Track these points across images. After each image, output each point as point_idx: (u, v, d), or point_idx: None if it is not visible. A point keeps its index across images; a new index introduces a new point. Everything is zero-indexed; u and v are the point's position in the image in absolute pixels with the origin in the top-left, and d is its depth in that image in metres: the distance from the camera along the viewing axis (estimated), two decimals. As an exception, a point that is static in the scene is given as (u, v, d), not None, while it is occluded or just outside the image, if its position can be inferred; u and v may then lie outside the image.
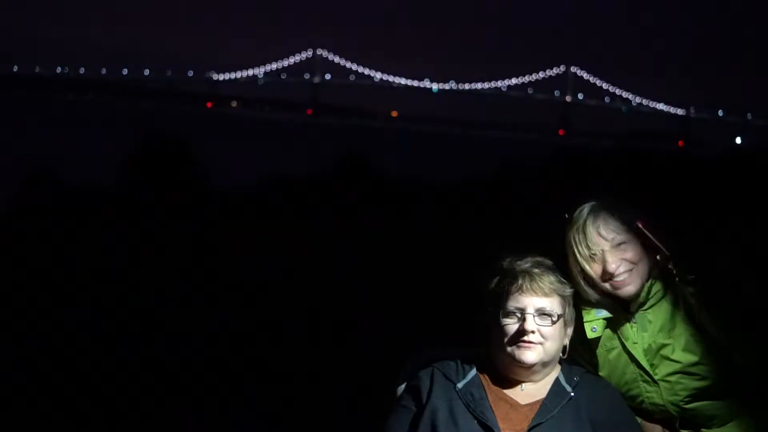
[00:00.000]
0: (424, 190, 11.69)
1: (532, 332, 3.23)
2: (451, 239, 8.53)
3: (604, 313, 3.46)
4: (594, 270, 3.36)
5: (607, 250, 3.34)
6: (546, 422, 3.18)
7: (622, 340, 3.45)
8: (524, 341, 3.23)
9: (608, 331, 3.47)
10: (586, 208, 3.36)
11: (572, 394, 3.26)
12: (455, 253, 7.74)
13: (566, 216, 3.39)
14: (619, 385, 3.47)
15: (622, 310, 3.45)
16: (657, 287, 3.39)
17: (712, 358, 3.34)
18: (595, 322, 3.47)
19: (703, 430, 3.45)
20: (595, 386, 3.35)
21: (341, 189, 11.13)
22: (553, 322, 3.26)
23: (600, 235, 3.34)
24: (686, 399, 3.40)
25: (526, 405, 3.25)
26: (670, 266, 3.31)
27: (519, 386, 3.29)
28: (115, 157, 12.50)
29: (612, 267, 3.34)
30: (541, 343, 3.24)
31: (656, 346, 3.40)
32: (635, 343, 3.43)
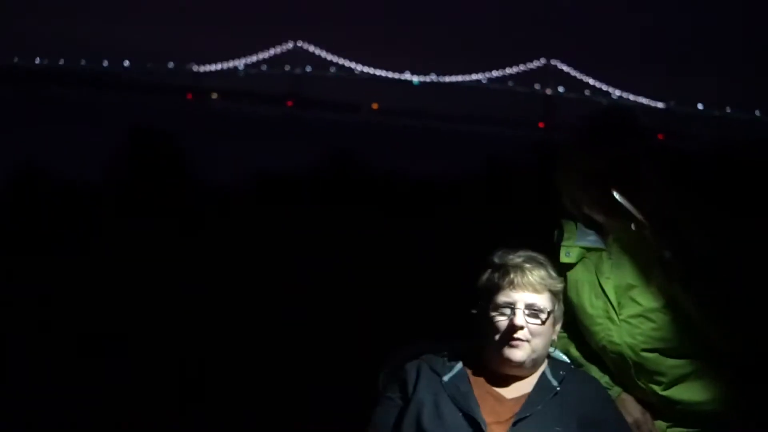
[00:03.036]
0: (409, 185, 11.67)
1: (521, 328, 3.26)
2: (440, 234, 8.54)
3: (583, 242, 3.50)
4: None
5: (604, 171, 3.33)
6: (531, 416, 3.21)
7: (597, 273, 3.48)
8: (513, 338, 3.25)
9: (585, 261, 3.50)
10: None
11: (558, 388, 3.29)
12: (445, 248, 7.76)
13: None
14: (584, 318, 3.50)
15: (602, 243, 3.47)
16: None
17: (673, 313, 3.36)
18: (571, 248, 3.51)
19: (653, 386, 3.45)
20: (582, 382, 3.38)
21: (326, 184, 11.12)
22: (543, 320, 3.29)
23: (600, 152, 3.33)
24: (642, 344, 3.41)
25: (512, 399, 3.27)
26: (646, 233, 3.29)
27: (506, 380, 3.31)
28: (100, 153, 12.43)
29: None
30: (529, 340, 3.27)
31: (626, 284, 3.42)
32: (608, 278, 3.45)
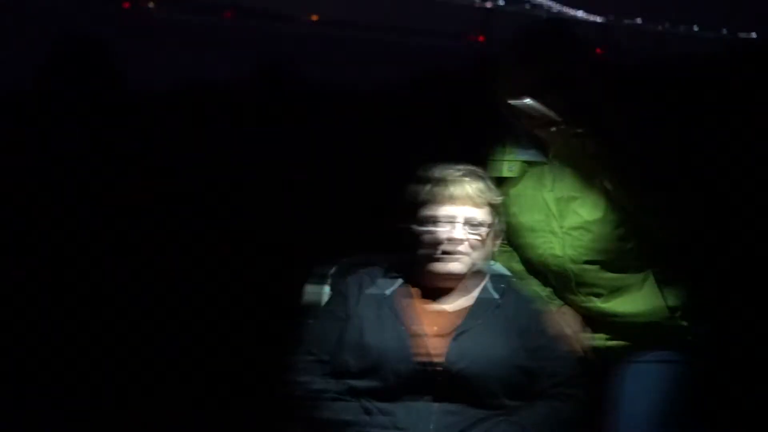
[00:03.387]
0: (348, 99, 11.53)
1: (461, 242, 3.27)
2: (378, 149, 8.44)
3: (524, 156, 3.51)
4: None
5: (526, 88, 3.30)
6: (472, 329, 3.24)
7: (539, 185, 3.49)
8: (453, 251, 3.27)
9: (527, 174, 3.51)
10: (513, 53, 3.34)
11: (499, 301, 3.32)
12: (385, 161, 7.66)
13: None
14: (526, 230, 3.52)
15: (543, 156, 3.48)
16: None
17: (612, 224, 3.39)
18: (513, 162, 3.53)
19: (593, 298, 3.50)
20: (522, 294, 3.41)
21: (263, 99, 10.95)
22: (482, 233, 3.30)
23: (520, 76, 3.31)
24: (583, 256, 3.45)
25: (454, 312, 3.30)
26: (562, 127, 3.31)
27: (447, 294, 3.34)
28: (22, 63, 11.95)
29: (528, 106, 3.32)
30: (468, 253, 3.29)
31: (567, 196, 3.44)
32: (550, 190, 3.47)
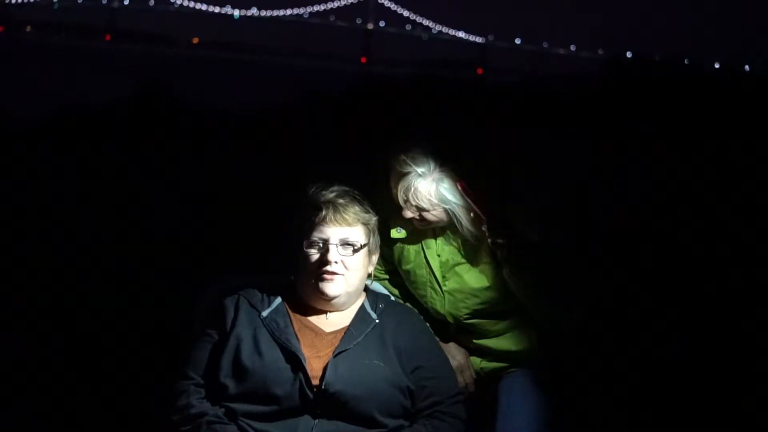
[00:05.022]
0: (226, 120, 11.49)
1: (335, 263, 3.25)
2: (259, 168, 8.44)
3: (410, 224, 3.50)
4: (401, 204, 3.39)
5: (413, 207, 3.36)
6: (351, 349, 3.22)
7: (424, 245, 3.51)
8: (327, 272, 3.24)
9: (414, 231, 3.51)
10: (420, 167, 3.30)
11: (377, 321, 3.31)
12: (262, 183, 7.67)
13: (400, 156, 3.33)
14: (410, 283, 3.57)
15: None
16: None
17: (498, 292, 3.45)
18: (402, 224, 3.53)
19: (473, 339, 3.59)
20: (400, 313, 3.41)
21: (139, 120, 10.83)
22: (356, 251, 3.29)
23: (415, 197, 3.33)
24: (465, 316, 3.52)
25: (332, 333, 3.28)
26: (483, 228, 3.33)
27: (324, 314, 3.32)
28: None
29: (408, 215, 3.38)
30: (344, 274, 3.27)
31: (453, 262, 3.48)
32: (437, 254, 3.50)
